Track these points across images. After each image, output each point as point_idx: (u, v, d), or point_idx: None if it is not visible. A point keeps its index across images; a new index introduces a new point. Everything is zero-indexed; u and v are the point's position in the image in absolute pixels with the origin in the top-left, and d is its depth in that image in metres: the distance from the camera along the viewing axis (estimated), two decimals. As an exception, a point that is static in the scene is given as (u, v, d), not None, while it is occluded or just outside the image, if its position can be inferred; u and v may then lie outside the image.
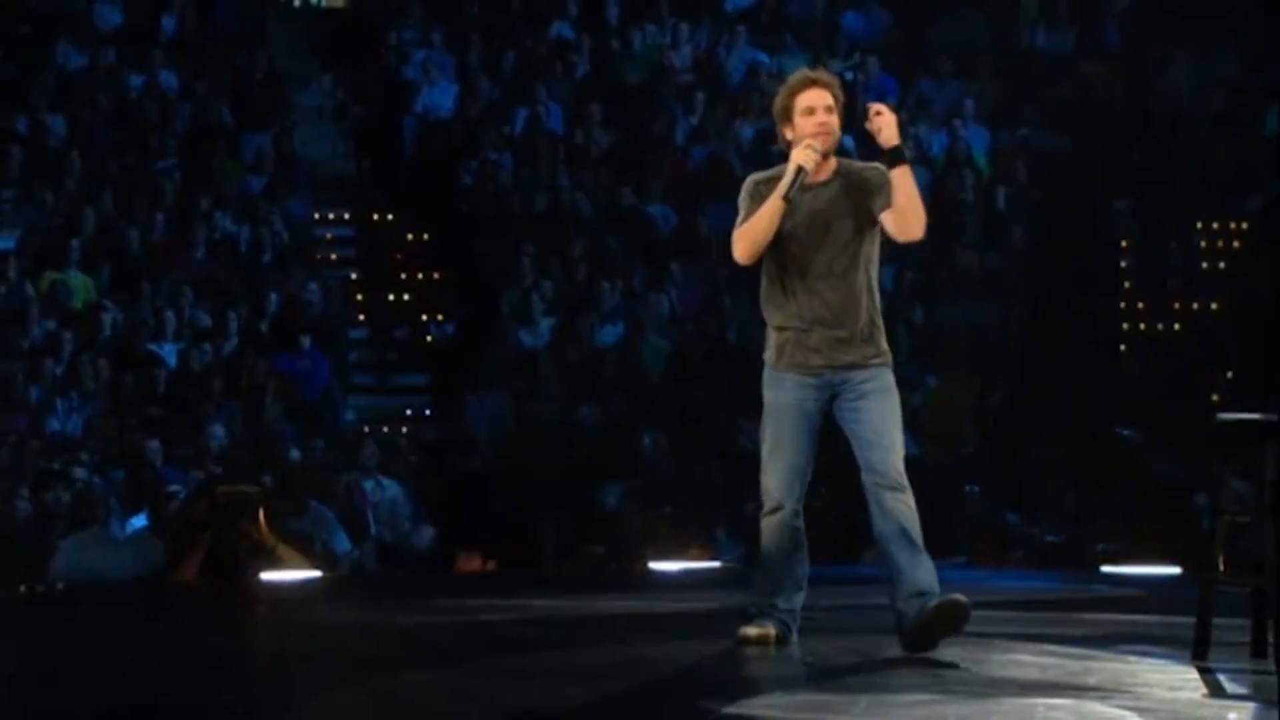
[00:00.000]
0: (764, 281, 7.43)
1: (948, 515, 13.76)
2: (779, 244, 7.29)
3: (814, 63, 16.96)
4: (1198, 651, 7.45)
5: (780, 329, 7.38)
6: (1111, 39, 17.01)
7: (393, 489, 13.51)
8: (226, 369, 14.36)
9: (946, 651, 7.29)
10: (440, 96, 16.79)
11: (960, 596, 7.17)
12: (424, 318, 15.74)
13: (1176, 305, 15.47)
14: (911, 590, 7.20)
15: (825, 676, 7.04)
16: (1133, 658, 7.55)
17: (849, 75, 16.85)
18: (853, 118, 17.07)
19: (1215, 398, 13.78)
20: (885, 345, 7.38)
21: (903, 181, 7.20)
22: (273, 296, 15.07)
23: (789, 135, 7.37)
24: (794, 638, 7.45)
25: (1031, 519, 13.56)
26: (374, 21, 17.41)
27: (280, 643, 8.73)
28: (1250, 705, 6.69)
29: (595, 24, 17.39)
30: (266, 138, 16.44)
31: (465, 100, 16.70)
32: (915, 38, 17.28)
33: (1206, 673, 7.21)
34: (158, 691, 6.86)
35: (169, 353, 14.51)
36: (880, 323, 7.38)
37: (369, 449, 13.74)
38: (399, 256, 16.16)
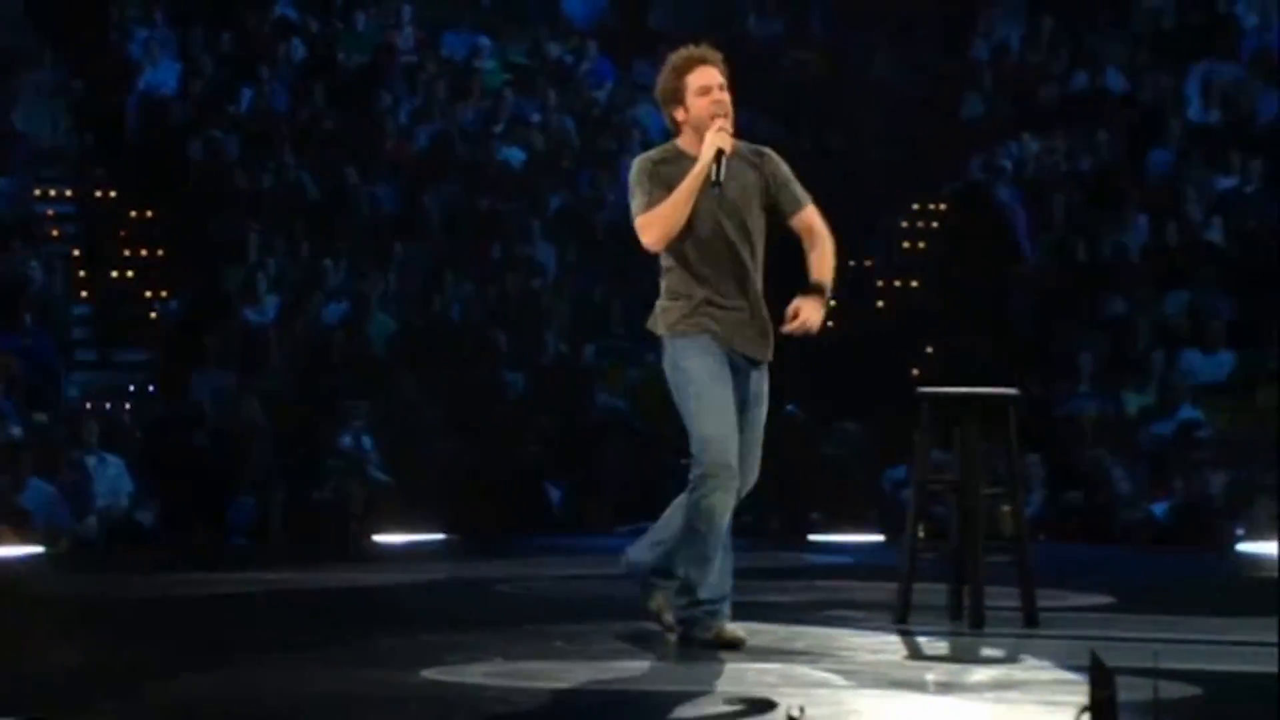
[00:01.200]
0: (669, 264, 6.96)
1: (659, 485, 13.93)
2: (685, 226, 6.90)
3: (535, 45, 17.06)
4: (899, 616, 7.65)
5: (689, 301, 6.89)
6: (817, 26, 17.30)
7: (116, 465, 13.29)
8: (-54, 346, 14.00)
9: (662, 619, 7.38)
10: (164, 74, 16.50)
11: (741, 634, 6.90)
12: (148, 295, 15.48)
13: (880, 284, 15.80)
14: (712, 600, 6.92)
15: (545, 645, 7.10)
16: (838, 623, 7.72)
17: (568, 58, 16.91)
18: (575, 100, 17.02)
19: (915, 372, 14.10)
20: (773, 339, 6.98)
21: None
22: (-7, 273, 14.71)
23: (680, 117, 6.97)
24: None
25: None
26: (96, -1, 17.05)
27: (3, 620, 8.55)
28: (948, 665, 6.89)
29: (319, 5, 17.23)
30: (-15, 113, 16.04)
31: (189, 78, 16.45)
32: (633, 22, 17.40)
33: (907, 635, 7.41)
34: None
35: (-115, 330, 14.11)
36: (767, 313, 6.97)
37: (91, 425, 13.49)
38: (123, 234, 15.87)
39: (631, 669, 6.57)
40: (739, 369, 6.91)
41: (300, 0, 17.25)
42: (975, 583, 7.57)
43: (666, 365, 6.99)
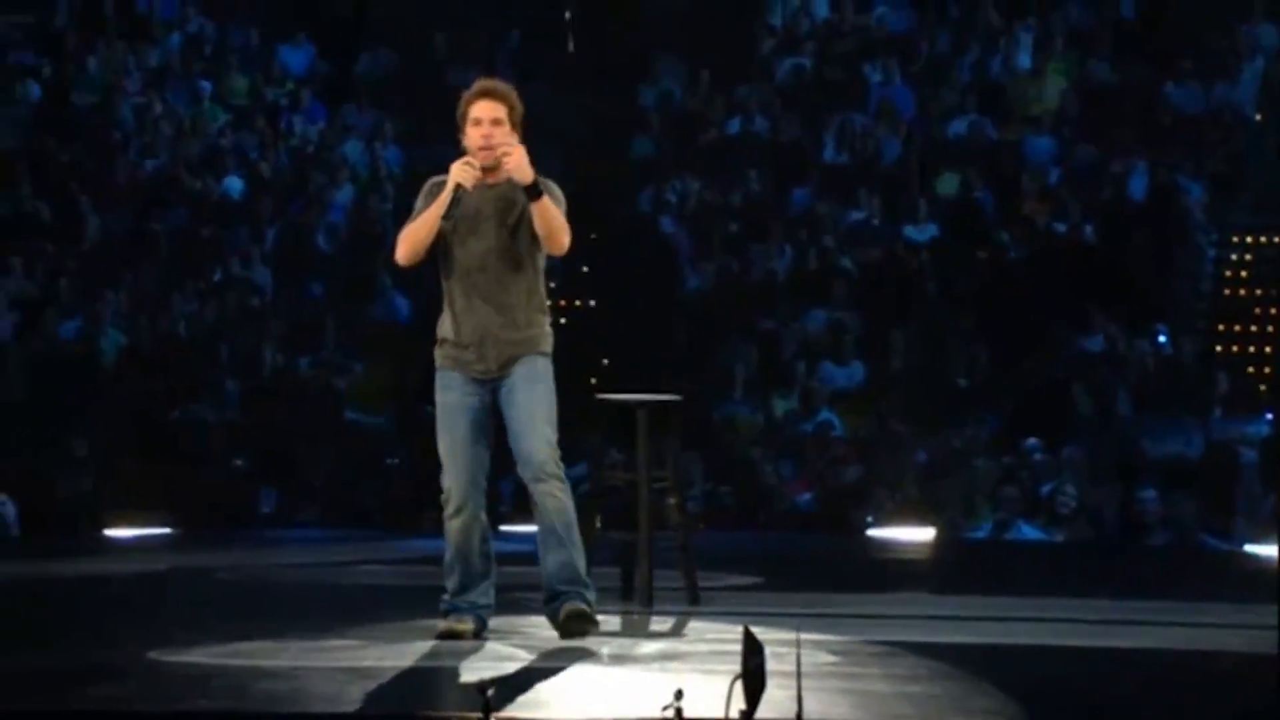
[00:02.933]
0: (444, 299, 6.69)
1: (364, 486, 13.79)
2: (446, 245, 6.60)
3: (253, 88, 16.74)
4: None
5: (443, 340, 6.66)
6: (501, 77, 17.21)
7: None
8: None
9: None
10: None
11: (583, 607, 6.61)
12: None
13: (562, 303, 15.81)
14: (550, 594, 6.68)
15: (259, 625, 6.91)
16: (525, 605, 7.62)
17: (283, 101, 16.70)
18: (290, 138, 16.60)
19: (594, 381, 14.13)
20: (543, 336, 6.72)
21: (541, 213, 6.57)
22: None
23: (465, 143, 6.69)
24: (488, 630, 6.66)
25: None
26: None
27: None
28: (620, 640, 6.84)
29: (52, 50, 16.73)
30: None
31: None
32: (340, 70, 17.25)
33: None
34: None
35: None
36: (540, 318, 6.73)
37: None
38: None
39: (341, 646, 6.44)
40: (490, 377, 6.64)
41: (36, 46, 16.76)
42: (645, 566, 7.59)
43: None
